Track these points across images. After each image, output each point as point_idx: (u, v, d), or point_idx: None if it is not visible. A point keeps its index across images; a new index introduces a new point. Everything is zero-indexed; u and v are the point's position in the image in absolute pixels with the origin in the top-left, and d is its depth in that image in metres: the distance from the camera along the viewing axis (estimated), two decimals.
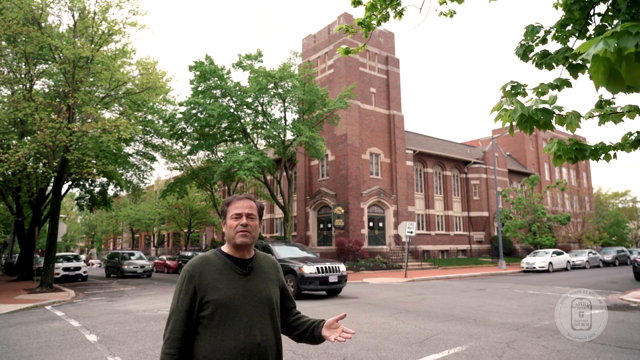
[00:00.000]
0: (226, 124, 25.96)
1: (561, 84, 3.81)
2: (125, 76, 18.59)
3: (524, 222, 37.09)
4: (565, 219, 36.79)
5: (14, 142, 18.83)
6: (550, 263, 27.90)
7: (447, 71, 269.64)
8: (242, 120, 25.47)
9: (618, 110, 3.57)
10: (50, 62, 18.50)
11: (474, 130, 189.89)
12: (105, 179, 26.81)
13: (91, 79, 18.57)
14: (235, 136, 27.32)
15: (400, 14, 5.77)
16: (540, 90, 3.88)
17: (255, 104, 25.34)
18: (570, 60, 3.92)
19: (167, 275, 31.32)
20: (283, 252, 15.01)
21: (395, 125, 34.04)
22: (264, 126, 25.80)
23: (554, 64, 4.00)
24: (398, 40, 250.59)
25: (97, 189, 27.84)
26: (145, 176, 27.56)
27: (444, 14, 5.78)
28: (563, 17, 4.08)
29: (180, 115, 24.62)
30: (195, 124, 24.98)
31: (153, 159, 27.11)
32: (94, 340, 8.06)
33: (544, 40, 4.25)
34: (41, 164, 18.12)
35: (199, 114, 24.47)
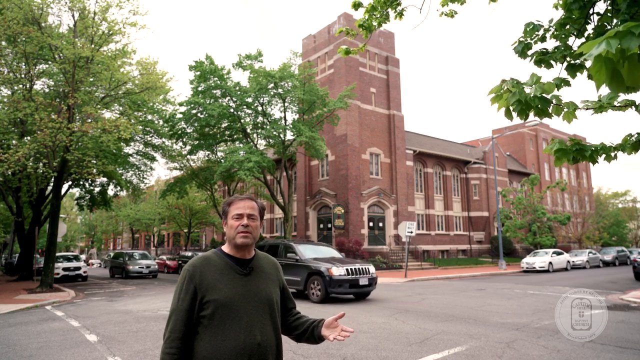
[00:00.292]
0: (226, 124, 25.95)
1: (560, 83, 3.81)
2: (125, 76, 18.59)
3: (524, 222, 37.09)
4: (565, 219, 36.78)
5: (14, 142, 18.83)
6: (550, 263, 27.90)
7: (447, 71, 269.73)
8: (242, 120, 25.46)
9: (615, 103, 3.58)
10: (50, 62, 18.50)
11: (474, 130, 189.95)
12: (105, 179, 26.80)
13: (91, 79, 18.57)
14: (235, 136, 27.31)
15: (400, 14, 5.77)
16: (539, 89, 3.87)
17: (255, 104, 25.33)
18: (569, 59, 3.93)
19: (167, 275, 31.30)
20: (308, 252, 14.10)
21: (395, 125, 34.04)
22: (264, 126, 25.79)
23: (552, 62, 4.01)
24: (398, 40, 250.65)
25: (97, 189, 27.83)
26: (145, 176, 27.57)
27: (446, 15, 5.78)
28: (563, 16, 4.08)
29: (180, 115, 24.61)
30: (195, 124, 24.97)
31: (153, 159, 27.11)
32: (94, 340, 8.06)
33: (543, 39, 4.25)
34: (41, 164, 18.12)
35: (199, 114, 24.46)
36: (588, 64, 3.80)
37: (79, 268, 25.39)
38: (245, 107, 25.36)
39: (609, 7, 3.94)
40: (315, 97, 24.81)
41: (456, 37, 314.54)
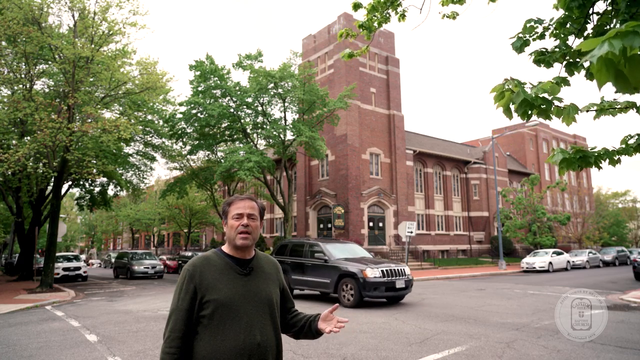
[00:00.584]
0: (226, 124, 25.94)
1: (560, 82, 3.81)
2: (125, 76, 18.60)
3: (524, 222, 37.09)
4: (565, 219, 36.78)
5: (14, 142, 18.83)
6: (550, 263, 27.90)
7: (447, 71, 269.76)
8: (242, 120, 25.46)
9: (616, 106, 3.57)
10: (50, 62, 18.51)
11: (474, 130, 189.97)
12: (105, 179, 26.80)
13: (91, 79, 18.57)
14: (235, 136, 27.31)
15: (402, 15, 5.76)
16: (540, 90, 3.87)
17: (255, 104, 25.33)
18: (568, 58, 3.92)
19: (167, 275, 31.29)
20: (337, 251, 13.05)
21: (395, 125, 34.04)
22: (264, 126, 25.79)
23: (552, 62, 4.00)
24: (398, 40, 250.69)
25: (97, 189, 27.83)
26: (145, 176, 27.57)
27: (447, 16, 5.77)
28: (563, 16, 4.08)
29: (180, 115, 24.61)
30: (195, 124, 24.97)
31: (153, 159, 27.11)
32: (94, 340, 8.06)
33: (541, 36, 4.25)
34: (41, 164, 18.12)
35: (199, 114, 24.47)
36: (587, 64, 3.80)
37: (79, 268, 25.37)
38: (245, 107, 25.36)
39: (609, 7, 3.94)
40: (315, 97, 24.81)
41: (456, 37, 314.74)
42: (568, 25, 4.06)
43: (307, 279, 13.08)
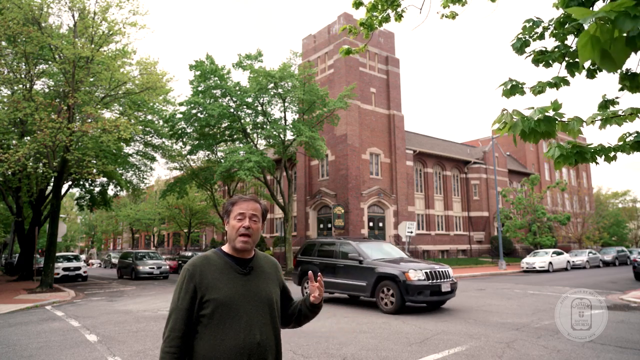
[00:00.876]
0: (226, 124, 25.94)
1: (559, 82, 3.81)
2: (126, 76, 18.61)
3: (524, 222, 37.09)
4: (565, 219, 36.78)
5: (14, 142, 18.83)
6: (550, 263, 27.90)
7: (447, 71, 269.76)
8: (242, 120, 25.46)
9: (620, 113, 3.56)
10: (50, 62, 18.51)
11: (474, 130, 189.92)
12: (105, 179, 26.80)
13: (91, 79, 18.58)
14: (235, 136, 27.30)
15: (400, 16, 5.77)
16: (538, 88, 3.88)
17: (255, 104, 25.33)
18: (568, 58, 3.93)
19: None
20: (372, 251, 12.03)
21: (395, 125, 34.04)
22: (264, 126, 25.78)
23: (551, 61, 4.01)
24: (398, 40, 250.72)
25: (97, 189, 27.83)
26: (145, 176, 27.58)
27: (446, 17, 5.78)
28: (562, 15, 4.08)
29: (180, 115, 24.60)
30: (195, 124, 24.97)
31: (153, 159, 27.12)
32: (94, 340, 8.07)
33: (541, 36, 4.26)
34: (41, 164, 18.13)
35: (199, 114, 24.46)
36: (587, 64, 3.79)
37: (79, 268, 25.37)
38: (245, 107, 25.36)
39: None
40: (315, 97, 24.81)
41: (456, 37, 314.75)
42: (567, 26, 4.06)
43: (338, 282, 12.06)
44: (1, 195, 25.47)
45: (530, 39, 4.22)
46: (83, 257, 43.54)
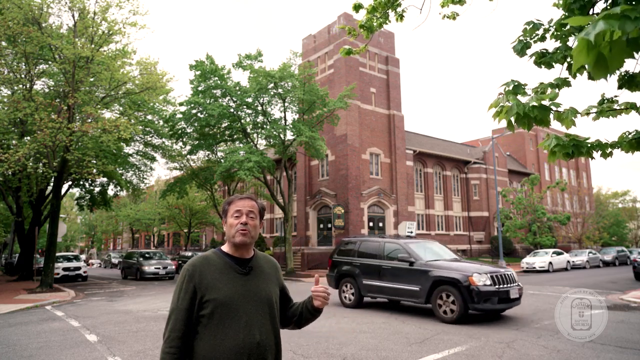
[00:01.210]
0: (226, 124, 25.93)
1: (561, 83, 3.81)
2: (126, 76, 18.60)
3: (524, 222, 37.09)
4: (565, 219, 36.78)
5: (14, 142, 18.83)
6: (550, 263, 27.90)
7: (447, 71, 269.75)
8: (242, 120, 25.45)
9: (615, 107, 3.58)
10: (50, 62, 18.51)
11: (474, 130, 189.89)
12: (105, 179, 26.80)
13: (91, 79, 18.57)
14: (235, 136, 27.30)
15: (401, 16, 5.77)
16: (540, 90, 3.88)
17: (255, 104, 25.33)
18: (569, 60, 3.93)
19: None
20: (426, 253, 10.86)
21: (395, 125, 34.05)
22: (264, 126, 25.78)
23: (553, 63, 4.01)
24: (398, 40, 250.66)
25: (97, 189, 27.82)
26: (145, 176, 27.57)
27: (447, 17, 5.77)
28: (563, 16, 4.08)
29: (180, 115, 24.61)
30: (195, 124, 24.97)
31: (153, 159, 27.11)
32: (94, 340, 8.07)
33: (542, 38, 4.26)
34: (41, 164, 18.13)
35: (199, 114, 24.46)
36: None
37: (79, 268, 25.35)
38: (245, 107, 25.35)
39: (609, 7, 3.95)
40: (315, 97, 24.81)
41: (456, 37, 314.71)
42: (568, 27, 4.07)
43: (384, 285, 10.95)
44: (1, 195, 25.46)
45: (531, 41, 4.23)
46: (83, 257, 43.50)
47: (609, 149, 3.88)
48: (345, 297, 12.11)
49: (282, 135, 25.59)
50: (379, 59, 34.66)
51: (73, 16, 17.74)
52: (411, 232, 23.47)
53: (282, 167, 27.06)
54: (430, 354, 6.59)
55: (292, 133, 25.38)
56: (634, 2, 3.35)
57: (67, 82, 17.50)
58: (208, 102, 24.26)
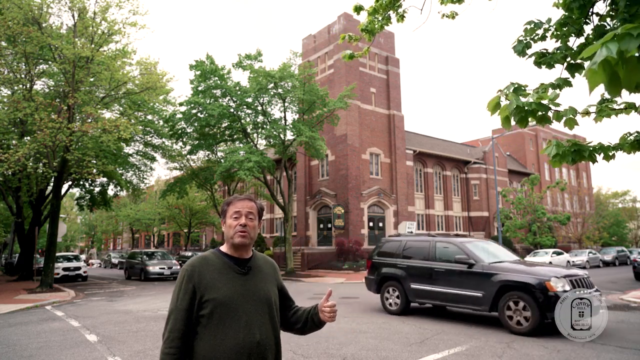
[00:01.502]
0: (226, 124, 25.94)
1: (562, 83, 3.81)
2: (126, 76, 18.61)
3: (524, 222, 37.10)
4: (565, 219, 36.79)
5: (14, 142, 18.84)
6: (550, 263, 27.86)
7: (447, 71, 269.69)
8: (242, 120, 25.46)
9: (615, 107, 3.58)
10: (50, 62, 18.51)
11: (474, 130, 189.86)
12: (105, 179, 26.80)
13: (91, 79, 18.58)
14: (235, 136, 27.31)
15: (402, 16, 5.75)
16: (540, 90, 3.88)
17: (255, 104, 25.33)
18: (569, 60, 3.93)
19: None
20: (485, 254, 9.59)
21: (395, 125, 34.05)
22: (264, 126, 25.79)
23: (553, 63, 4.01)
24: (398, 40, 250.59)
25: (97, 189, 27.82)
26: (145, 176, 27.57)
27: (446, 16, 5.77)
28: (563, 16, 4.08)
29: (180, 115, 24.62)
30: (195, 124, 24.97)
31: (153, 159, 27.12)
32: (94, 340, 8.07)
33: (543, 38, 4.26)
34: (41, 164, 18.13)
35: (199, 114, 24.46)
36: (587, 64, 3.79)
37: (79, 268, 25.35)
38: (245, 107, 25.36)
39: (608, 7, 3.94)
40: (315, 97, 24.81)
41: (456, 37, 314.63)
42: (568, 26, 4.07)
43: (438, 290, 9.68)
44: (1, 195, 25.46)
45: (532, 41, 4.23)
46: (83, 257, 43.48)
47: (612, 152, 3.88)
48: (389, 302, 10.72)
49: (282, 135, 25.59)
50: (379, 59, 34.67)
51: (73, 16, 17.75)
52: (411, 232, 23.48)
53: (282, 167, 27.07)
54: (430, 354, 6.59)
55: (292, 133, 25.38)
56: (633, 15, 3.35)
57: (67, 82, 17.51)
58: (208, 102, 24.27)
